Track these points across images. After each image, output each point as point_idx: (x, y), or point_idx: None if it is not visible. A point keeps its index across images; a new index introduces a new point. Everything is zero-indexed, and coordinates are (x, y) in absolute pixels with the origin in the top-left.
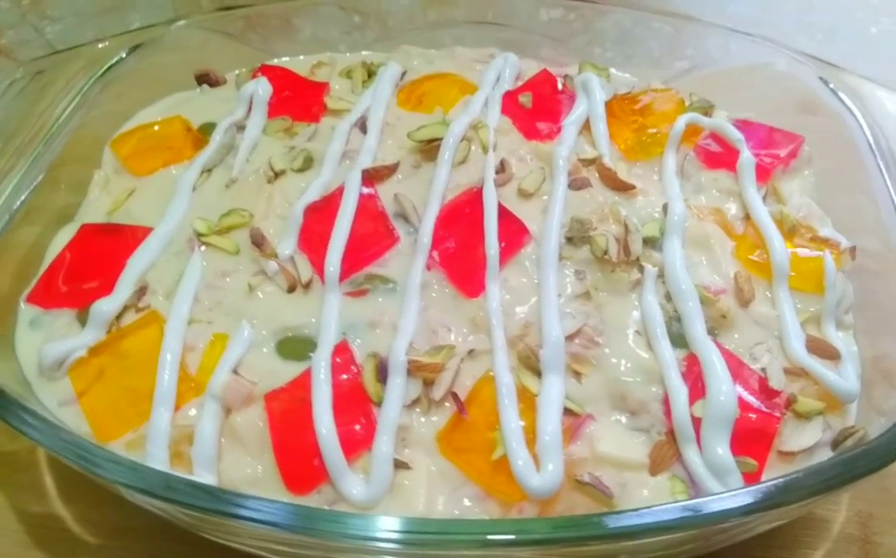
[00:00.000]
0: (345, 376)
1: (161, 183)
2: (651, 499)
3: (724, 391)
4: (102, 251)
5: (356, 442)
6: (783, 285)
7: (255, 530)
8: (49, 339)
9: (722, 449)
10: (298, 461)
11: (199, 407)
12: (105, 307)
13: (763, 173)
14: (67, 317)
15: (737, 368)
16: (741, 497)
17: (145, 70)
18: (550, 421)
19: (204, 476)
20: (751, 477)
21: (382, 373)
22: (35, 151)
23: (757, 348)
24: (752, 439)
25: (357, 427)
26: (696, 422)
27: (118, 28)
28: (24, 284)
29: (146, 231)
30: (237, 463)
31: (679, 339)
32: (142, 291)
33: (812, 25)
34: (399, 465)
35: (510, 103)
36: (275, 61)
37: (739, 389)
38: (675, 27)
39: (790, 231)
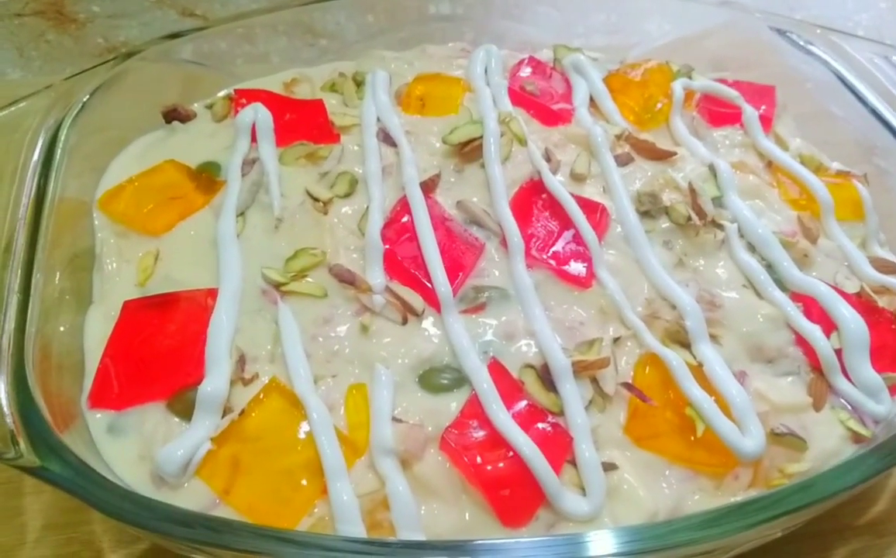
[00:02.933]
0: (510, 394)
1: (187, 237)
2: (827, 434)
3: (851, 317)
4: (163, 328)
5: (555, 458)
6: (831, 218)
7: None
8: (151, 443)
9: (867, 371)
10: (507, 492)
11: (366, 468)
12: (210, 388)
13: (765, 123)
14: (157, 413)
15: (844, 297)
16: None
17: (96, 117)
18: (731, 386)
19: (412, 536)
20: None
21: (547, 382)
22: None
23: (837, 276)
24: (885, 355)
25: (550, 442)
26: (838, 354)
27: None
28: (78, 391)
29: (206, 293)
30: (437, 515)
31: (779, 284)
32: (241, 361)
33: None
34: (607, 468)
35: (517, 94)
36: (247, 85)
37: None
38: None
39: (815, 170)
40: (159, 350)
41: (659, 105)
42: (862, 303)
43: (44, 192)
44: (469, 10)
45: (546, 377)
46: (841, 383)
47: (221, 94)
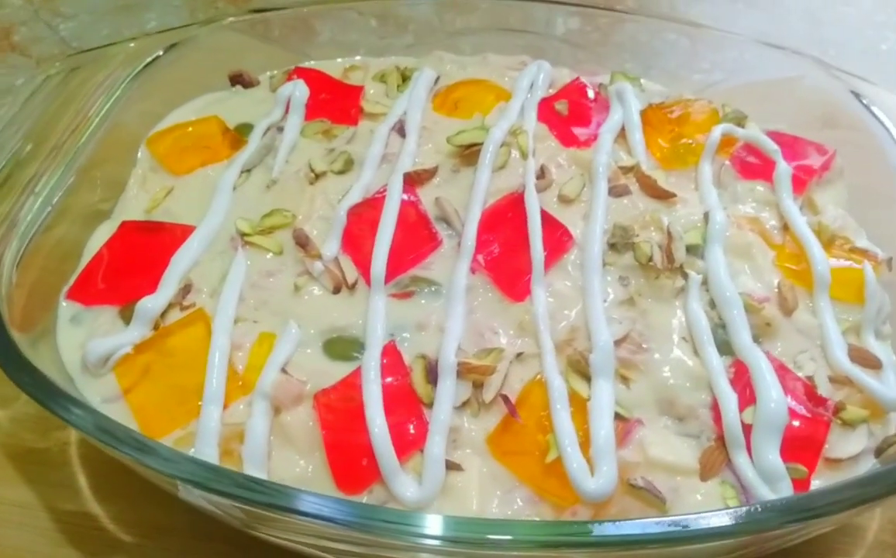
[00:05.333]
0: (393, 377)
1: (199, 182)
2: (703, 504)
3: (775, 397)
4: (143, 248)
5: (407, 443)
6: (824, 294)
7: (311, 526)
8: (92, 336)
9: (773, 456)
10: (350, 461)
11: (247, 405)
12: (150, 304)
13: (799, 184)
14: (110, 315)
15: (783, 375)
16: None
17: (178, 70)
18: (603, 425)
19: (255, 473)
20: (800, 484)
21: (431, 375)
22: (73, 150)
23: (800, 356)
24: (801, 446)
25: (409, 428)
26: (747, 429)
27: (132, 26)
28: (63, 281)
29: (187, 229)
30: (287, 461)
31: (724, 347)
32: (186, 289)
33: (823, 41)
34: (451, 467)
35: (546, 110)
36: (309, 64)
37: (787, 397)
38: (691, 39)
39: (828, 242)
40: (132, 265)
41: (688, 141)
42: (806, 388)
43: (104, 119)
44: (588, 38)
45: (433, 370)
46: (740, 460)
47: (285, 69)
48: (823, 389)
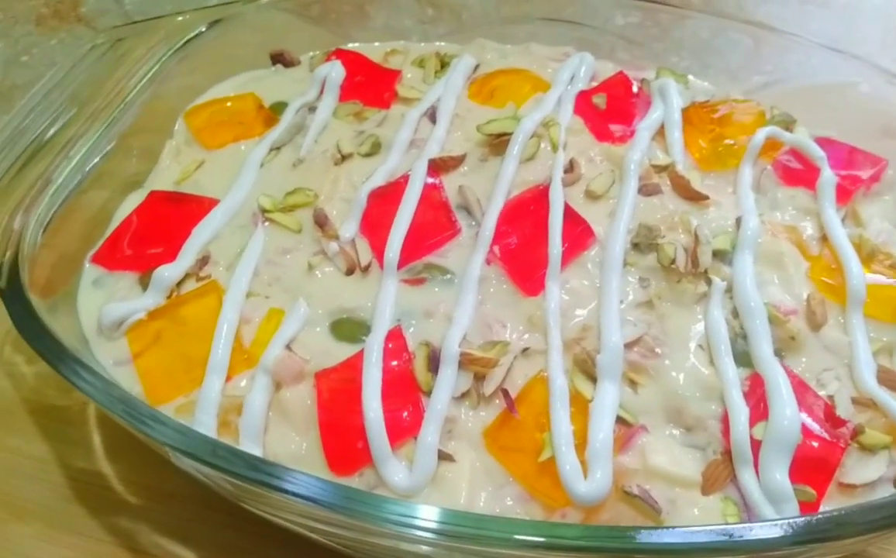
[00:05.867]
0: (396, 362)
1: (230, 157)
2: (701, 519)
3: (788, 414)
4: (168, 218)
5: (402, 429)
6: (857, 311)
7: (295, 505)
8: (111, 299)
9: (780, 475)
10: (343, 442)
11: (250, 379)
12: (167, 273)
13: (843, 194)
14: (129, 280)
15: (802, 392)
16: (790, 527)
17: (221, 46)
18: (602, 428)
19: (250, 447)
20: (808, 507)
21: (434, 363)
22: (111, 117)
23: (825, 374)
24: (812, 467)
25: (405, 414)
26: (755, 445)
27: (196, 2)
28: (90, 245)
29: (212, 202)
30: (283, 438)
31: (743, 358)
32: (203, 261)
33: None
34: (443, 457)
35: (583, 103)
36: (349, 46)
37: (803, 415)
38: (755, 39)
39: (868, 256)
40: (156, 234)
41: (729, 142)
42: (826, 407)
43: (143, 90)
44: (647, 33)
45: (435, 358)
46: (746, 476)
47: (326, 51)
48: (843, 410)
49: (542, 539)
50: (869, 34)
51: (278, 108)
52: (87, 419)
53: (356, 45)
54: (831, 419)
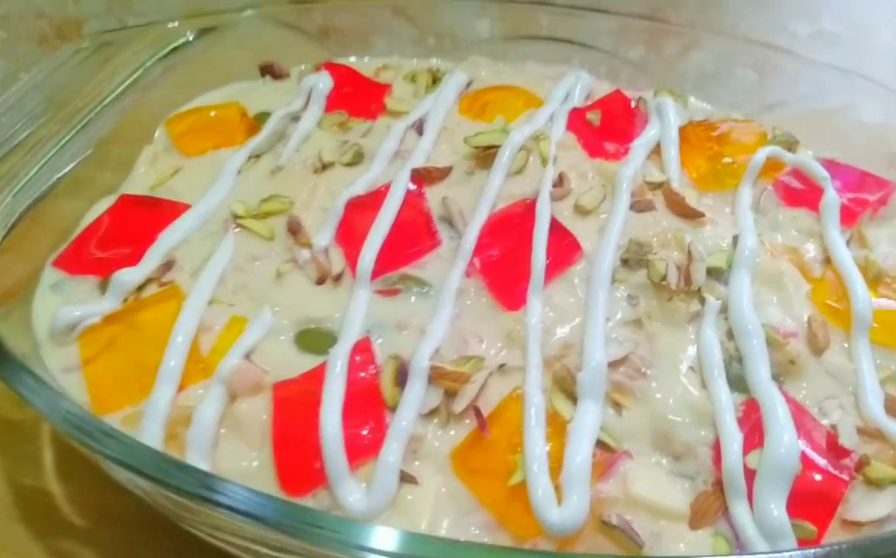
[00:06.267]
0: (362, 375)
1: (209, 164)
2: (685, 554)
3: (786, 441)
4: (137, 223)
5: (363, 448)
6: (863, 336)
7: (235, 526)
8: (68, 303)
9: (777, 509)
10: (297, 459)
11: (205, 389)
12: (127, 277)
13: (849, 216)
14: (90, 285)
15: (802, 419)
16: None
17: (212, 57)
18: (580, 451)
19: (196, 461)
20: (808, 545)
21: (402, 377)
22: (85, 120)
23: (827, 402)
24: (813, 501)
25: (366, 431)
26: (749, 475)
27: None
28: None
29: (185, 207)
30: (234, 453)
31: (738, 382)
32: (168, 266)
33: None
34: (405, 479)
35: (577, 120)
36: (341, 61)
37: (803, 444)
38: (759, 72)
39: (875, 279)
40: (122, 238)
41: (728, 161)
42: (828, 437)
43: (121, 97)
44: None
45: (404, 372)
46: (739, 509)
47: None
48: (846, 439)
49: None
50: (881, 71)
51: (262, 118)
52: (39, 434)
53: (349, 59)
54: (834, 449)
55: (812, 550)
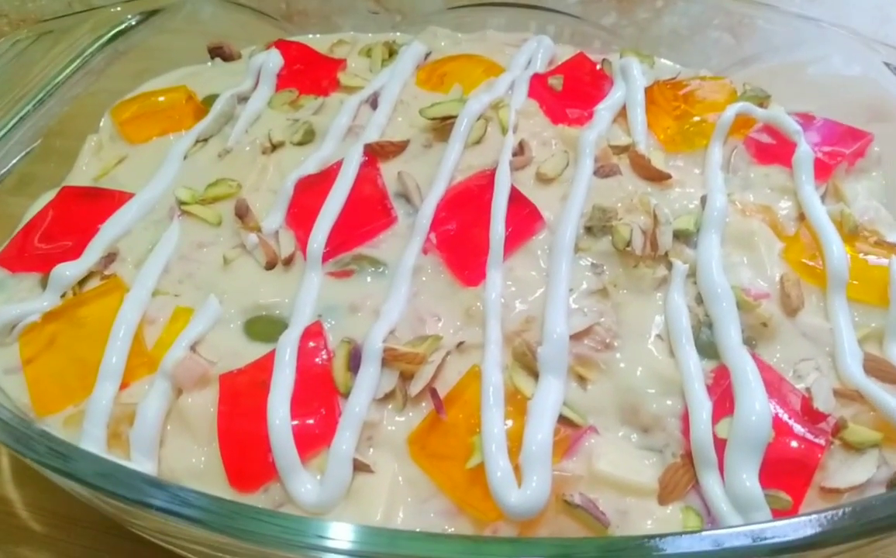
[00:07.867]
0: (314, 361)
1: (155, 151)
2: (652, 531)
3: (757, 409)
4: (79, 215)
5: (314, 438)
6: (840, 294)
7: (171, 527)
8: (8, 302)
9: (749, 479)
10: (245, 453)
11: (151, 385)
12: (68, 271)
13: (823, 170)
14: (32, 281)
15: (775, 384)
16: (771, 531)
17: (159, 42)
18: (542, 428)
19: (141, 461)
20: (783, 516)
21: (356, 362)
22: (24, 112)
23: (803, 364)
24: (787, 470)
25: (318, 420)
26: (720, 445)
27: None
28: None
29: (128, 197)
30: (181, 451)
31: (708, 348)
32: (110, 258)
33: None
34: (359, 467)
35: (539, 86)
36: (295, 38)
37: (777, 408)
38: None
39: (851, 233)
40: (64, 232)
41: (696, 119)
42: (802, 401)
43: (59, 86)
44: (627, 28)
45: (357, 356)
46: (710, 481)
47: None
48: (822, 402)
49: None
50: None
51: (211, 101)
52: None
53: (307, 37)
54: (809, 414)
55: (787, 522)
